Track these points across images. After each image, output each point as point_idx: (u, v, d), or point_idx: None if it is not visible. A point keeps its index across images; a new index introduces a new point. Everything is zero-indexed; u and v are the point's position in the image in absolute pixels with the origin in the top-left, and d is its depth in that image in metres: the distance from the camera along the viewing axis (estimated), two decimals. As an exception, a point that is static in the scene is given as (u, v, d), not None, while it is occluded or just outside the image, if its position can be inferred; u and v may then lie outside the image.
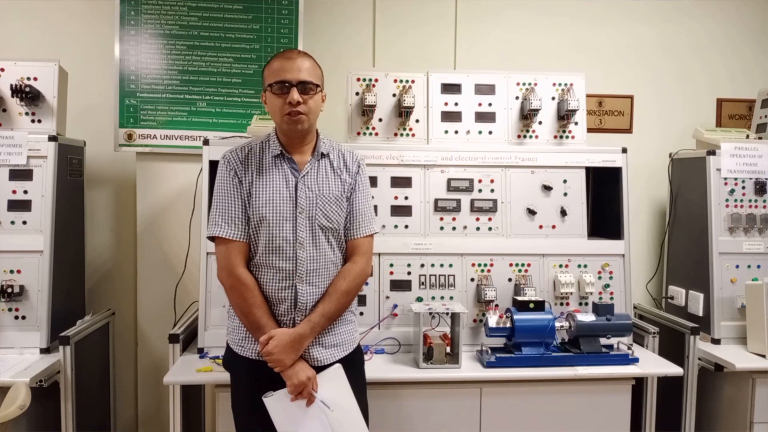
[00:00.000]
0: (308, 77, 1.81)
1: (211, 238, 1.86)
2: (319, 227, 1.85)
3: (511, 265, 2.54)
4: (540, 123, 2.68)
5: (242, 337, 1.86)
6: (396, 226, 2.51)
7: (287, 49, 1.91)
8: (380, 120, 2.63)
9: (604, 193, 2.72)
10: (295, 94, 1.78)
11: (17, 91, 2.49)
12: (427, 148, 2.59)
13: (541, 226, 2.57)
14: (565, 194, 2.59)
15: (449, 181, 2.55)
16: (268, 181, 1.85)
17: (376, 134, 2.63)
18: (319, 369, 1.82)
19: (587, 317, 2.31)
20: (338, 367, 1.84)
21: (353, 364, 1.92)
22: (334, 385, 1.82)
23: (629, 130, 3.34)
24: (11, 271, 2.42)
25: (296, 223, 1.83)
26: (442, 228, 2.54)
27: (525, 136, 2.68)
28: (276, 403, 1.77)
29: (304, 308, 1.82)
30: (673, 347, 2.55)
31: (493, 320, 2.29)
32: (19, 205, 2.45)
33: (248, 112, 2.92)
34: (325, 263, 1.86)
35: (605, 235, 2.67)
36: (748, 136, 2.83)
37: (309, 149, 1.91)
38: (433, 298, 2.49)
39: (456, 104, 2.65)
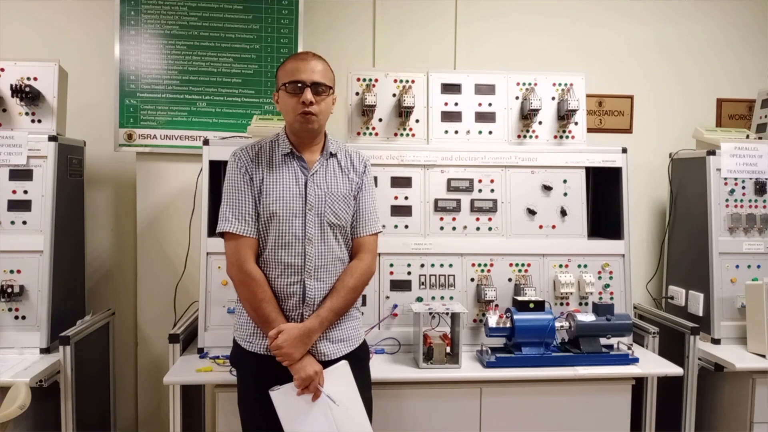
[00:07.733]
0: (321, 79, 1.86)
1: (221, 234, 1.88)
2: (327, 224, 1.88)
3: (511, 265, 2.54)
4: (540, 123, 2.68)
5: (250, 333, 1.89)
6: (396, 226, 2.51)
7: (302, 51, 1.94)
8: (380, 120, 2.63)
9: (604, 193, 2.72)
10: (308, 94, 1.82)
11: (17, 91, 2.48)
12: (427, 148, 2.59)
13: (541, 226, 2.57)
14: (565, 194, 2.59)
15: (449, 181, 2.55)
16: (278, 178, 1.89)
17: (376, 134, 2.63)
18: (325, 364, 1.84)
19: (587, 317, 2.31)
20: (344, 364, 1.85)
21: (359, 360, 1.94)
22: (340, 381, 1.83)
23: (629, 130, 3.34)
24: (11, 271, 2.42)
25: (305, 220, 1.86)
26: (442, 228, 2.54)
27: (525, 136, 2.68)
28: (282, 396, 1.78)
29: (312, 303, 1.85)
30: (673, 347, 2.55)
31: (493, 320, 2.29)
32: (19, 205, 2.45)
33: (248, 112, 2.92)
34: (332, 259, 1.89)
35: (605, 235, 2.67)
36: (748, 136, 2.83)
37: (318, 149, 1.96)
38: (433, 298, 2.49)
39: (456, 104, 2.65)
